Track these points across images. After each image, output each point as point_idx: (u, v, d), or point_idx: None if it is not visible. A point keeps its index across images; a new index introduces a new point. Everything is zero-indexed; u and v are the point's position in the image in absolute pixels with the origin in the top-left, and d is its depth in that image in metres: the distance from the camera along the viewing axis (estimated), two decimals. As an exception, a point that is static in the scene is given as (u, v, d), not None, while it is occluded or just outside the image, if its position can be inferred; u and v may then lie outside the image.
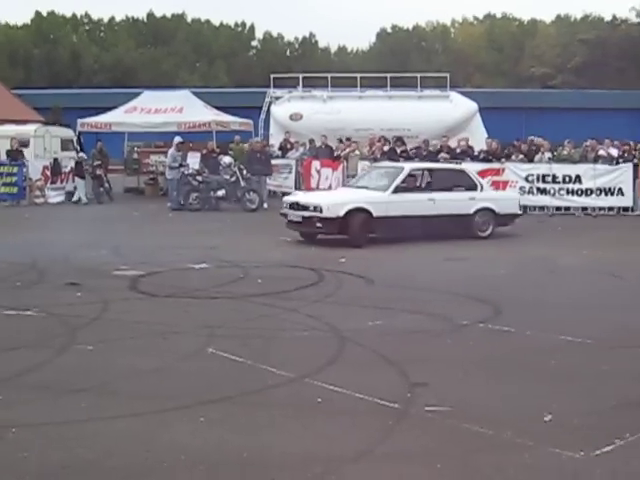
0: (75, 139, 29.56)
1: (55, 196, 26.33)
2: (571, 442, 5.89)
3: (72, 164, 26.59)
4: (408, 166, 18.35)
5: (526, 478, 5.39)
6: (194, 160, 25.36)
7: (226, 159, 24.19)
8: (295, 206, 17.08)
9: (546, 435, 6.08)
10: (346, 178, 23.66)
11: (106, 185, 27.01)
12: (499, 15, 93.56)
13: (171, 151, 25.27)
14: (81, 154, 27.33)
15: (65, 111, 38.75)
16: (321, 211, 16.43)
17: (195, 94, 31.33)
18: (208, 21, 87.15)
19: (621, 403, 6.88)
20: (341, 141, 25.98)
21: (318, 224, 16.45)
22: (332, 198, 17.50)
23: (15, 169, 25.53)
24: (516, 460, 5.64)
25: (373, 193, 17.15)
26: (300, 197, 17.97)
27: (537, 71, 72.61)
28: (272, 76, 31.08)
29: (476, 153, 23.99)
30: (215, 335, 9.06)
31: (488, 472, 5.47)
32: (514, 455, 5.73)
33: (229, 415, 6.58)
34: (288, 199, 17.97)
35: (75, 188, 26.30)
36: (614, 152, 23.77)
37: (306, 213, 16.67)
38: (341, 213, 16.29)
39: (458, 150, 24.17)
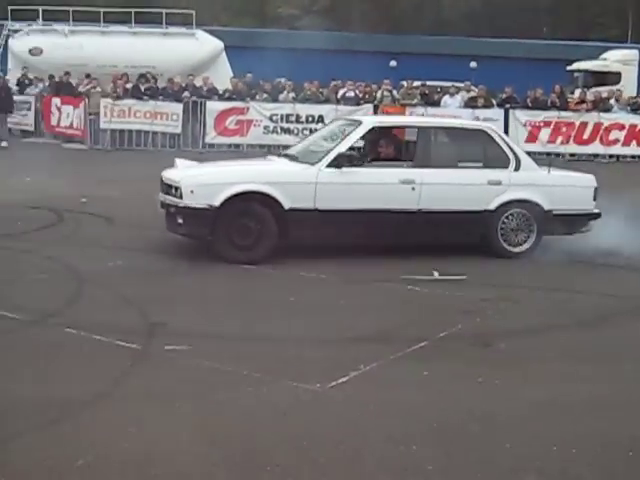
0: None
1: None
2: (306, 374, 6.07)
3: None
4: (369, 120, 11.22)
5: (264, 412, 5.48)
6: None
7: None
8: (165, 187, 10.15)
9: (284, 369, 6.21)
10: (88, 116, 22.94)
11: None
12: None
13: None
14: None
15: None
16: (181, 196, 9.71)
17: None
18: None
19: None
20: (88, 77, 25.02)
21: (179, 219, 9.72)
22: (206, 172, 10.45)
23: None
24: (253, 394, 5.72)
25: (293, 167, 10.19)
26: (168, 171, 10.46)
27: (284, 12, 73.32)
28: (9, 8, 29.59)
29: (221, 92, 23.97)
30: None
31: (227, 408, 5.51)
32: (252, 389, 5.81)
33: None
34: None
35: None
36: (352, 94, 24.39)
37: (168, 198, 9.95)
38: (216, 202, 9.53)
39: (205, 89, 24.04)
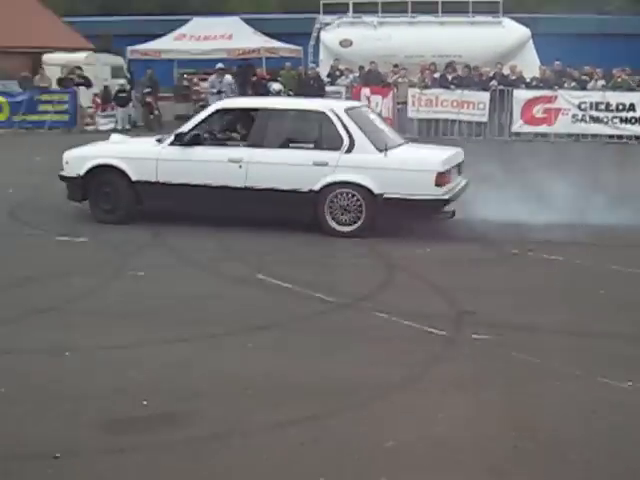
0: (125, 67, 29.58)
1: (105, 123, 26.39)
2: (618, 372, 5.90)
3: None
4: (217, 104, 12.36)
5: (571, 407, 5.40)
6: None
7: (275, 86, 24.06)
8: None
9: (595, 365, 6.08)
10: (396, 105, 23.49)
11: (156, 112, 27.07)
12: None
13: (211, 78, 25.55)
14: (122, 81, 27.46)
15: (115, 39, 38.66)
16: (62, 167, 11.75)
17: (245, 20, 31.10)
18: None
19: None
20: (396, 67, 25.51)
21: (66, 187, 11.77)
22: (85, 148, 12.11)
23: (66, 97, 25.65)
24: (561, 389, 5.66)
25: (148, 145, 11.65)
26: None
27: (593, -4, 70.80)
28: (322, 2, 30.67)
29: (528, 80, 23.65)
30: (264, 262, 9.14)
31: (532, 400, 5.49)
32: (559, 384, 5.74)
33: (277, 342, 6.65)
34: None
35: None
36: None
37: None
38: (81, 171, 11.32)
39: (512, 77, 23.81)
